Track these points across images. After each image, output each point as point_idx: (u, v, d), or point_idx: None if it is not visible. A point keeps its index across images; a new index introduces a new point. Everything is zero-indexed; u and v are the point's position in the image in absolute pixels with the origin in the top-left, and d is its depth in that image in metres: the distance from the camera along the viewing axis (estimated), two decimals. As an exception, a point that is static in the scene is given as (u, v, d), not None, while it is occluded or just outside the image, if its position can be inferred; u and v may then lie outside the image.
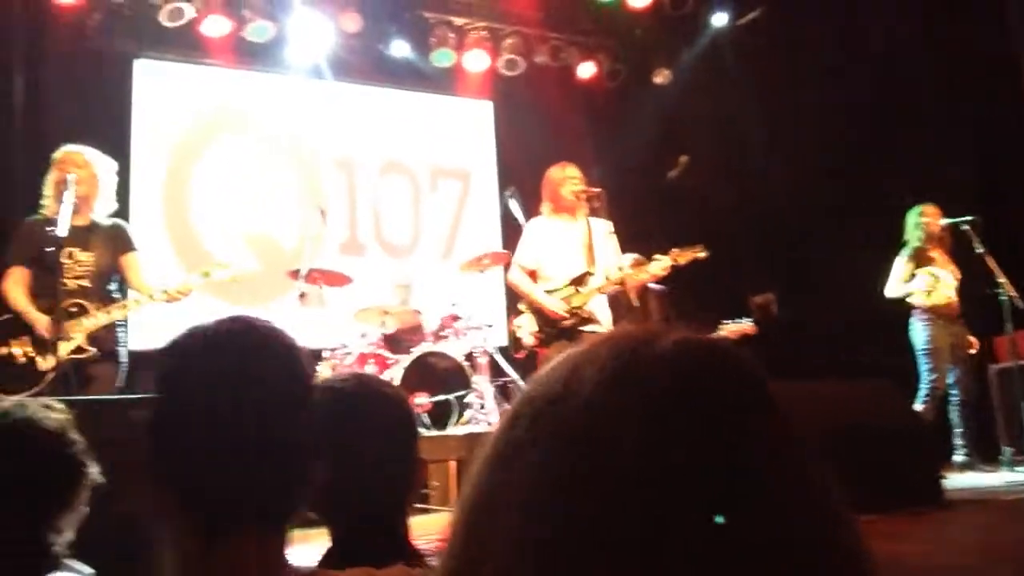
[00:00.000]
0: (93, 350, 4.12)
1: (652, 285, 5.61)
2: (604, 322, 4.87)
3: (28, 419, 1.83)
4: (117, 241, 4.41)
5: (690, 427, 0.53)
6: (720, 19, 7.73)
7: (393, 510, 1.63)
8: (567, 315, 4.73)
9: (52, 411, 1.93)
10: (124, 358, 4.39)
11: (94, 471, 1.92)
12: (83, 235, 4.22)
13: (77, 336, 4.10)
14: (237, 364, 1.19)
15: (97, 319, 4.15)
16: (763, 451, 0.54)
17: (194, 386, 1.19)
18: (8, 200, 5.60)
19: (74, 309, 4.14)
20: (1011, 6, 6.23)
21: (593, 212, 4.92)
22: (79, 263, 4.21)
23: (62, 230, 3.87)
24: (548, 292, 4.83)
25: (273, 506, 1.17)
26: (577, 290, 4.79)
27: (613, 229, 4.83)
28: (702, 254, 4.86)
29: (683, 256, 4.84)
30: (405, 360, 5.76)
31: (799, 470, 0.55)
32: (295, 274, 5.69)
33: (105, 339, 4.24)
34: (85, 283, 4.19)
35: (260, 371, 1.20)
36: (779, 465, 0.54)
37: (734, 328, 6.18)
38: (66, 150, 4.40)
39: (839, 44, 6.94)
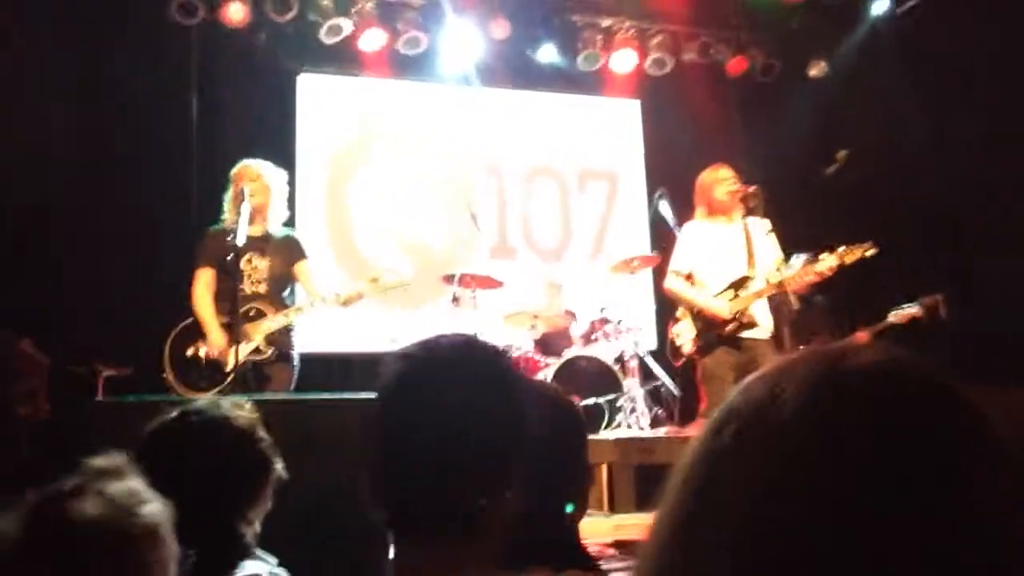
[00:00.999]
0: (270, 351, 4.39)
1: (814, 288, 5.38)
2: (765, 327, 4.71)
3: (223, 417, 1.96)
4: (290, 250, 4.69)
5: (904, 447, 0.53)
6: (880, 6, 7.33)
7: (565, 514, 1.63)
8: (731, 317, 4.60)
9: (242, 410, 2.06)
10: (296, 360, 4.64)
11: (279, 467, 2.03)
12: (259, 244, 4.51)
13: (256, 338, 4.37)
14: (459, 384, 1.25)
15: (274, 322, 4.42)
16: (980, 479, 0.54)
17: (414, 403, 1.25)
18: (185, 210, 6.04)
19: (252, 313, 4.41)
20: None
21: (750, 211, 4.77)
22: (256, 270, 4.51)
23: (240, 239, 4.14)
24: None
25: (481, 515, 1.21)
26: (737, 294, 4.66)
27: (771, 228, 4.66)
28: (871, 251, 4.55)
29: (850, 254, 4.57)
30: (555, 363, 5.80)
31: (1014, 498, 0.54)
32: (449, 279, 5.83)
33: (281, 341, 4.52)
34: (261, 288, 4.48)
35: (480, 392, 1.25)
36: (995, 493, 0.54)
37: (903, 313, 5.91)
38: (242, 164, 4.72)
39: (1008, 30, 6.41)
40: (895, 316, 5.97)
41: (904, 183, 7.11)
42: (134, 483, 1.39)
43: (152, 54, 6.35)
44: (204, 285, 4.55)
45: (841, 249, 4.59)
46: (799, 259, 5.74)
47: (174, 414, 1.99)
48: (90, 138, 6.01)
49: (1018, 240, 5.99)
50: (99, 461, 1.42)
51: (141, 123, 6.17)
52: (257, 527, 1.98)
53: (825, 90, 7.74)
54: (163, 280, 5.12)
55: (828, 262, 4.56)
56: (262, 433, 2.04)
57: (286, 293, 4.70)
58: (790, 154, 7.44)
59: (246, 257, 4.51)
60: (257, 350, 4.40)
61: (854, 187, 7.44)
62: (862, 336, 6.04)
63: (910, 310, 5.93)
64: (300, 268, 4.70)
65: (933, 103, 6.76)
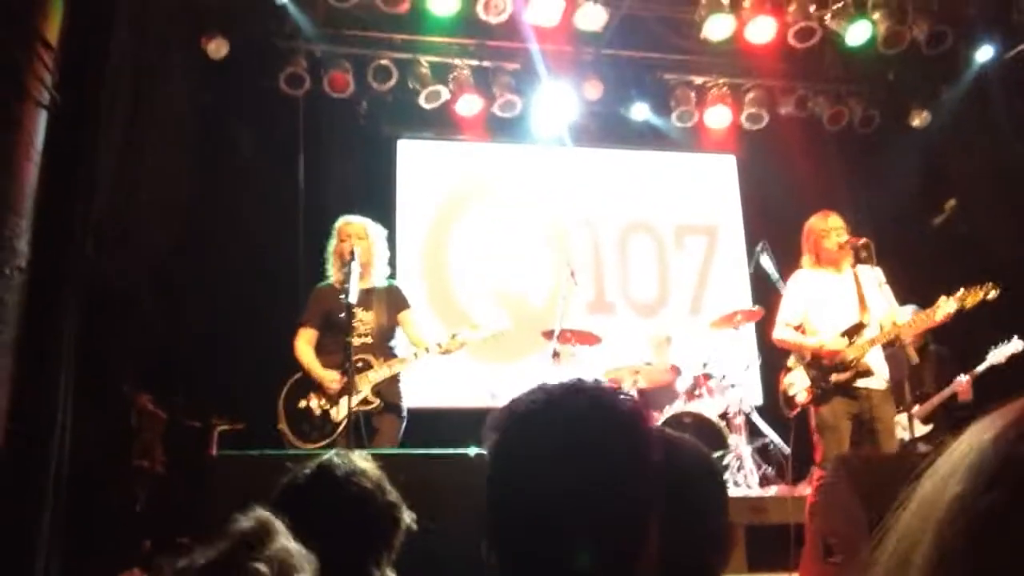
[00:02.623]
0: (378, 402, 4.46)
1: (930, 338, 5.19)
2: (881, 376, 4.55)
3: (356, 469, 2.00)
4: (394, 300, 4.81)
5: None
6: (985, 53, 7.14)
7: (707, 572, 1.59)
8: (849, 360, 4.46)
9: (369, 463, 2.09)
10: (405, 411, 4.71)
11: (407, 517, 2.05)
12: (365, 297, 4.63)
13: (364, 389, 4.45)
14: (573, 435, 1.16)
15: (381, 372, 4.50)
16: None
17: (527, 457, 1.18)
18: (293, 268, 6.25)
19: (360, 364, 4.50)
20: None
21: (860, 262, 4.66)
22: (363, 322, 4.62)
23: (352, 296, 4.25)
24: None
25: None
26: (851, 341, 4.52)
27: (884, 279, 4.53)
28: (993, 293, 4.39)
29: (971, 298, 4.41)
30: (658, 419, 5.71)
31: None
32: (549, 334, 5.84)
33: (389, 392, 4.59)
34: (368, 340, 4.58)
35: (598, 443, 1.16)
36: None
37: (1003, 352, 5.62)
38: (346, 220, 4.87)
39: None
40: (994, 357, 5.71)
41: (1019, 231, 6.83)
42: (288, 544, 1.40)
43: (263, 121, 6.70)
44: (305, 341, 4.70)
45: (960, 293, 4.43)
46: (909, 309, 5.57)
47: (309, 467, 2.03)
48: (207, 199, 6.33)
49: None
50: (247, 521, 1.41)
51: (253, 185, 6.48)
52: (390, 572, 2.00)
53: (928, 139, 7.55)
54: (273, 336, 5.27)
55: (947, 307, 4.42)
56: (389, 485, 2.07)
57: (392, 343, 4.79)
58: (894, 205, 7.26)
59: (352, 311, 4.63)
60: (365, 401, 4.48)
61: (964, 237, 7.20)
62: (964, 383, 5.82)
63: (1010, 349, 5.66)
64: (404, 317, 4.81)
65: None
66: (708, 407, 5.78)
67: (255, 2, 6.33)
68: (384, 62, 6.75)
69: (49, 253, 3.97)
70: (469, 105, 7.07)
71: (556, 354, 5.81)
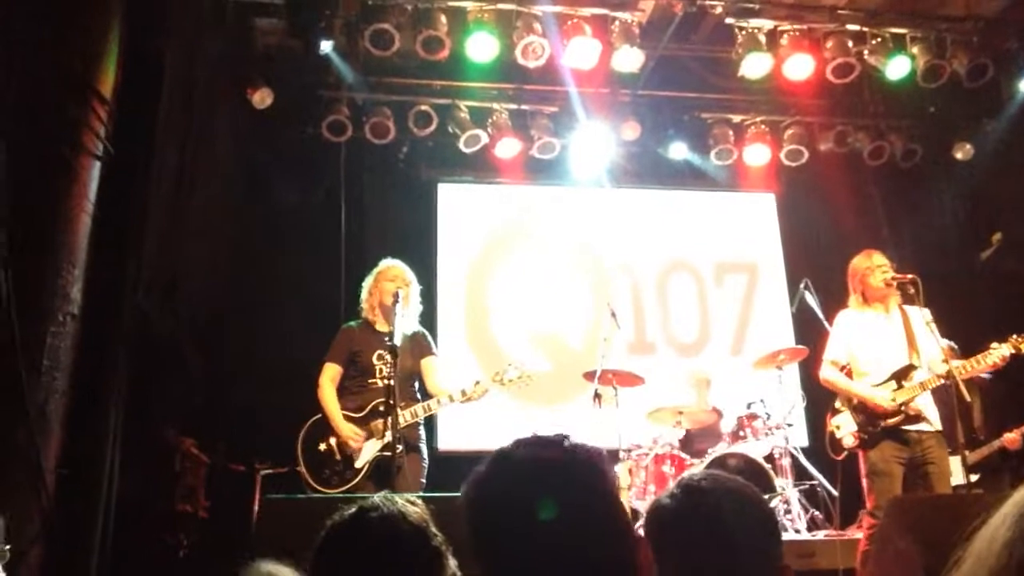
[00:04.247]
0: (400, 447, 4.40)
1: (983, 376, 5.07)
2: (933, 420, 4.45)
3: (400, 513, 1.99)
4: (419, 346, 4.80)
5: None
6: (1028, 84, 7.06)
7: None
8: (894, 411, 4.38)
9: (416, 506, 2.09)
10: (426, 455, 4.68)
11: (453, 564, 2.03)
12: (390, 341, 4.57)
13: (387, 434, 4.37)
14: (543, 495, 1.27)
15: (404, 418, 4.45)
16: None
17: (499, 516, 1.29)
18: (335, 310, 6.31)
19: (382, 408, 4.46)
20: None
21: (907, 300, 4.58)
22: (387, 365, 4.52)
23: (397, 339, 4.25)
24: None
25: None
26: (901, 384, 4.43)
27: (931, 318, 4.44)
28: None
29: None
30: (701, 461, 5.62)
31: None
32: (591, 376, 5.80)
33: (410, 436, 4.56)
34: (390, 383, 4.50)
35: (567, 501, 1.27)
36: None
37: None
38: (390, 263, 4.88)
39: None
40: None
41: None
42: None
43: (307, 168, 6.84)
44: (329, 379, 4.67)
45: (1014, 337, 4.34)
46: (943, 344, 5.45)
47: (352, 510, 2.03)
48: (252, 246, 6.46)
49: None
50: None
51: (296, 232, 6.61)
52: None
53: (972, 172, 7.45)
54: (316, 380, 5.30)
55: (1001, 351, 4.35)
56: (434, 529, 2.06)
57: (416, 388, 4.78)
58: (938, 240, 7.16)
59: (377, 353, 4.63)
60: (388, 445, 4.42)
61: (1011, 272, 7.06)
62: (1015, 436, 5.66)
63: None
64: (427, 364, 4.78)
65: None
66: (753, 449, 5.68)
67: (298, 53, 6.50)
68: (424, 107, 6.88)
69: (100, 302, 4.07)
70: (508, 148, 7.15)
71: (597, 396, 5.76)
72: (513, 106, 7.14)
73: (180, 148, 5.09)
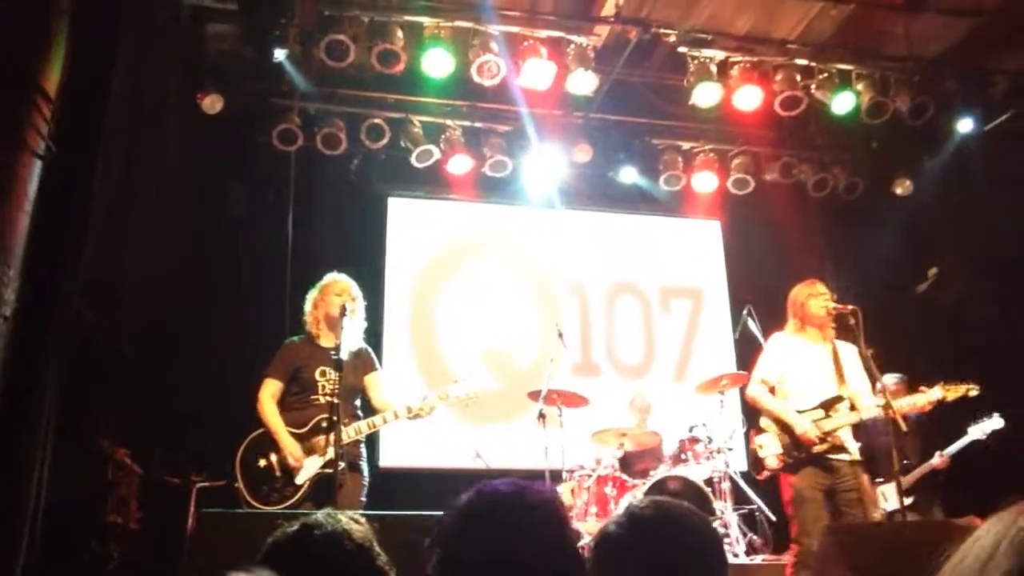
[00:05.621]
0: (343, 465, 4.31)
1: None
2: (852, 450, 4.56)
3: (344, 531, 1.95)
4: (363, 362, 4.70)
5: None
6: (965, 125, 7.32)
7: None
8: (819, 439, 4.47)
9: (359, 523, 2.05)
10: (366, 471, 4.59)
11: (397, 582, 2.00)
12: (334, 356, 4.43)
13: (329, 451, 4.26)
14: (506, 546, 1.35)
15: (347, 434, 4.36)
16: None
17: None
18: (280, 324, 6.20)
19: (325, 424, 4.37)
20: None
21: (843, 332, 4.69)
22: (330, 381, 4.45)
23: (344, 354, 4.17)
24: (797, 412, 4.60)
25: None
26: (828, 414, 4.53)
27: (867, 353, 4.55)
28: (974, 392, 4.52)
29: (953, 391, 4.55)
30: (643, 483, 5.66)
31: None
32: (536, 395, 5.81)
33: (352, 453, 4.45)
34: (334, 399, 4.35)
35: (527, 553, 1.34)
36: None
37: (984, 428, 5.68)
38: (336, 278, 4.78)
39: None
40: (975, 432, 5.78)
41: (1001, 301, 6.91)
42: None
43: (255, 176, 6.75)
44: (269, 395, 4.53)
45: (943, 385, 4.56)
46: (892, 378, 5.60)
47: (295, 527, 1.99)
48: (196, 253, 6.32)
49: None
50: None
51: (242, 240, 6.51)
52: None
53: (911, 208, 7.68)
54: (256, 392, 5.20)
55: (929, 396, 4.53)
56: (378, 549, 2.02)
57: (359, 404, 4.69)
58: (877, 272, 7.35)
59: (320, 369, 4.53)
60: (330, 463, 4.28)
61: (946, 305, 7.28)
62: (944, 459, 5.88)
63: (992, 425, 5.73)
64: (371, 379, 4.68)
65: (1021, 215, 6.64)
66: (694, 472, 5.73)
67: (251, 60, 6.41)
68: (377, 121, 6.84)
69: (36, 304, 3.94)
70: (460, 165, 7.15)
71: (542, 415, 5.76)
72: (467, 123, 7.15)
73: (126, 150, 4.96)
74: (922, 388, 4.62)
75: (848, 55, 6.82)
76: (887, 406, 4.29)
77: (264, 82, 6.62)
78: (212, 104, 6.35)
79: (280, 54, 6.06)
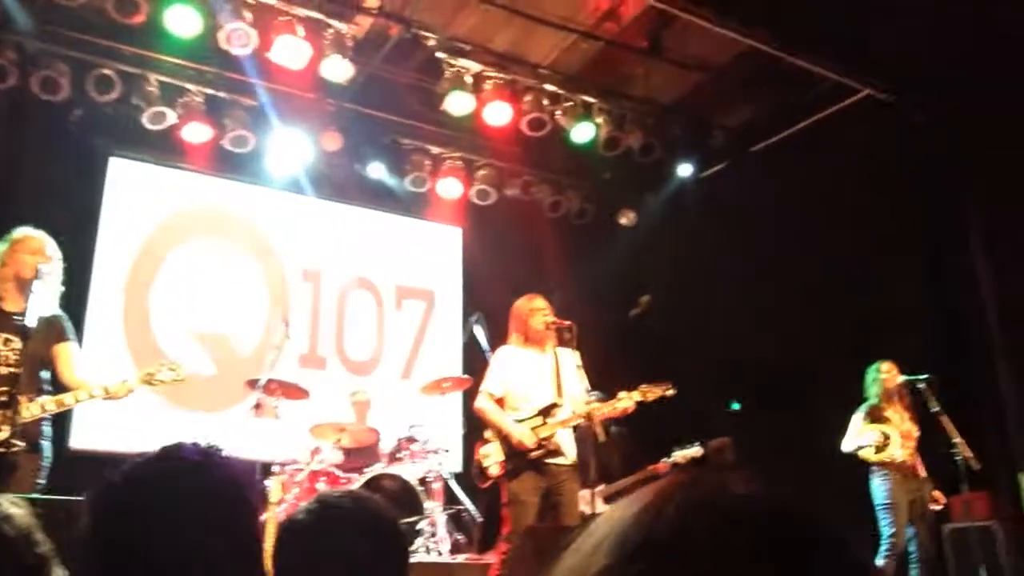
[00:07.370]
0: (22, 444, 3.81)
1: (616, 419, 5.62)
2: (569, 454, 4.82)
3: (1, 516, 1.72)
4: (55, 330, 4.18)
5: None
6: (685, 170, 8.07)
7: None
8: (535, 446, 4.69)
9: (19, 508, 1.83)
10: (48, 452, 4.09)
11: (61, 573, 1.80)
12: (19, 322, 3.95)
13: (4, 430, 3.79)
14: (163, 512, 1.29)
15: (31, 412, 3.88)
16: None
17: (126, 529, 1.27)
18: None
19: (4, 398, 3.87)
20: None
21: (563, 343, 4.95)
22: (13, 350, 3.96)
23: (31, 320, 3.70)
24: (517, 422, 4.78)
25: None
26: (545, 421, 4.76)
27: (581, 363, 4.85)
28: (670, 392, 4.93)
29: (651, 392, 4.90)
30: (358, 480, 5.61)
31: None
32: (253, 384, 5.56)
33: (30, 431, 3.94)
34: (16, 370, 3.90)
35: (189, 520, 1.28)
36: None
37: (684, 454, 6.21)
38: (30, 234, 4.21)
39: (797, 200, 7.19)
40: (679, 456, 6.26)
41: (700, 330, 7.66)
42: None
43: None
44: None
45: (643, 387, 4.89)
46: (593, 396, 6.01)
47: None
48: None
49: (809, 389, 6.54)
50: None
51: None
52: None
53: (632, 239, 8.32)
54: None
55: (632, 397, 4.85)
56: (41, 536, 1.81)
57: (46, 377, 4.15)
58: (598, 294, 7.86)
59: (2, 337, 3.98)
60: (6, 442, 3.78)
61: (656, 330, 7.95)
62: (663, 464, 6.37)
63: (692, 452, 6.23)
64: (61, 350, 4.16)
65: (730, 259, 7.41)
66: (408, 471, 5.77)
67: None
68: (108, 72, 6.24)
69: None
70: (197, 133, 6.71)
71: (259, 405, 5.52)
72: (210, 91, 6.72)
73: None
74: (620, 394, 4.96)
75: (593, 89, 7.26)
76: (588, 416, 4.59)
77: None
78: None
79: (-3, -22, 5.34)
